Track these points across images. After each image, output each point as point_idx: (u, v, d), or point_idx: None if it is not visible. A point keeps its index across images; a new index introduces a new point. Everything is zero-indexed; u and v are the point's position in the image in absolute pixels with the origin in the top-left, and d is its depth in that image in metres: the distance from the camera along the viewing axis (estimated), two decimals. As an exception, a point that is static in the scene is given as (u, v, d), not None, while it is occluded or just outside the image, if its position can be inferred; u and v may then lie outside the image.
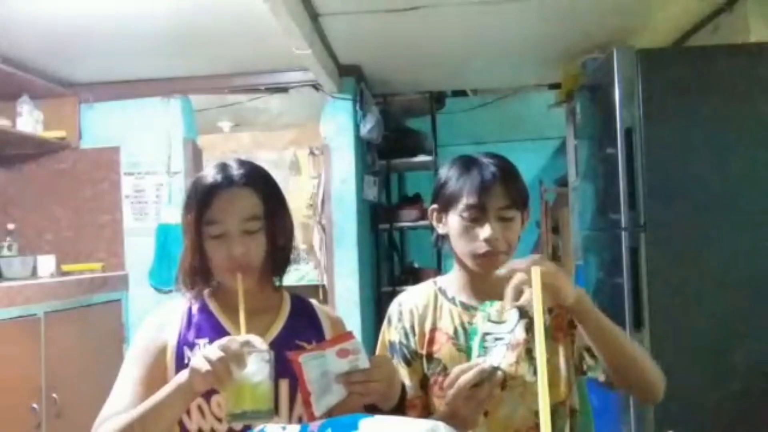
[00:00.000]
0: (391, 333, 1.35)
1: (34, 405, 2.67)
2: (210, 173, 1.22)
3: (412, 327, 1.33)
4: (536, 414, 1.23)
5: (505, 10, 2.82)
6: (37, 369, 2.74)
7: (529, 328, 1.08)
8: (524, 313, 1.11)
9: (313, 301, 1.37)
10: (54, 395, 2.76)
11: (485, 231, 1.25)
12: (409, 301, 1.36)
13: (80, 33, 2.87)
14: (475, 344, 1.13)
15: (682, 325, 2.31)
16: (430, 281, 1.41)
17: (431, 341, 1.31)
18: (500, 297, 1.24)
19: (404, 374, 1.30)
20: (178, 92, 3.68)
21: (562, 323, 1.29)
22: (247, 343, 1.05)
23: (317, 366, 1.07)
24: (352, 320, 3.55)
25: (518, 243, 1.33)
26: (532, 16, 2.91)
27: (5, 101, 3.30)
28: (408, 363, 1.31)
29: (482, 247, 1.25)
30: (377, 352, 1.38)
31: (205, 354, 1.02)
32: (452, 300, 1.33)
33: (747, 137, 2.33)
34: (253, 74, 3.66)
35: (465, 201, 1.26)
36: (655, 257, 2.32)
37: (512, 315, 1.12)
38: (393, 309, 1.38)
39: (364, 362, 1.09)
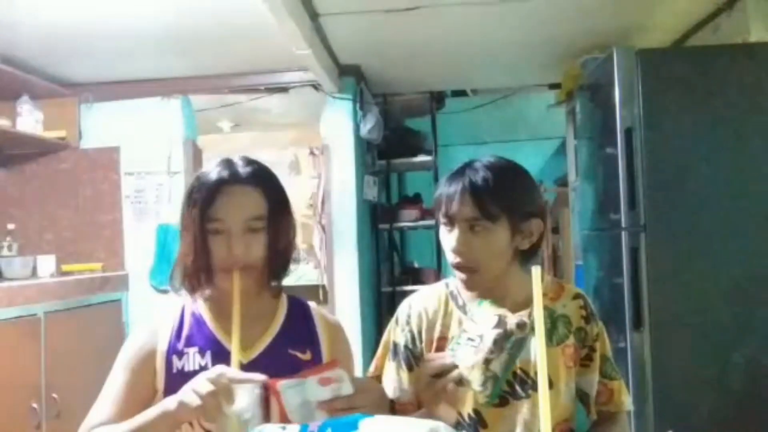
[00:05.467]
0: (396, 334, 1.33)
1: (34, 405, 2.67)
2: (215, 169, 1.19)
3: (420, 332, 1.30)
4: None
5: (506, 10, 2.82)
6: (37, 369, 2.74)
7: (498, 341, 1.06)
8: (501, 323, 1.08)
9: (312, 305, 1.33)
10: (54, 395, 2.76)
11: (452, 240, 1.24)
12: (419, 304, 1.33)
13: (80, 33, 2.87)
14: (455, 338, 1.12)
15: (682, 325, 2.31)
16: (443, 283, 1.37)
17: (439, 350, 1.27)
18: (509, 306, 1.19)
19: (404, 378, 1.29)
20: (178, 92, 3.68)
21: (575, 356, 1.29)
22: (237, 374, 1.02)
23: (296, 394, 1.03)
24: (352, 320, 3.55)
25: (525, 254, 1.29)
26: (532, 16, 2.91)
27: (5, 101, 3.30)
28: (410, 368, 1.29)
29: (451, 257, 1.26)
30: (380, 349, 1.36)
31: (194, 388, 0.99)
32: (462, 308, 1.30)
33: (747, 137, 2.33)
34: (253, 74, 3.66)
35: (441, 210, 1.27)
36: (655, 257, 2.32)
37: (489, 320, 1.09)
38: (402, 310, 1.34)
39: (347, 389, 1.05)
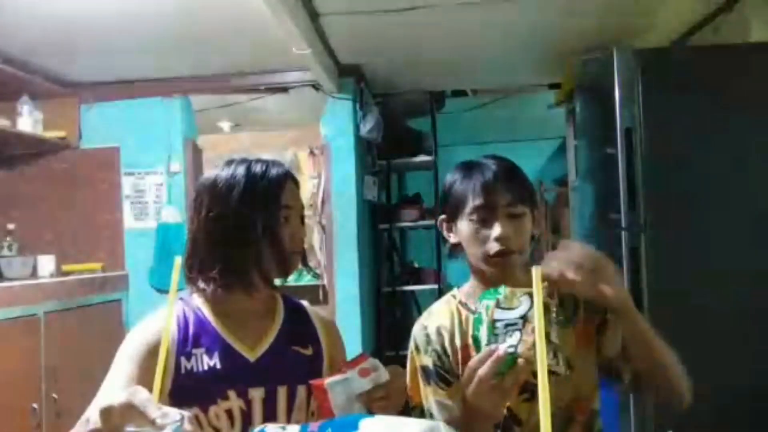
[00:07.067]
0: (422, 359, 1.31)
1: (34, 405, 2.67)
2: (269, 167, 1.24)
3: (444, 348, 1.29)
4: (558, 408, 1.22)
5: (506, 10, 2.82)
6: (37, 369, 2.74)
7: (544, 313, 1.06)
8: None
9: (305, 303, 1.36)
10: (54, 395, 2.76)
11: (496, 230, 1.22)
12: (433, 322, 1.32)
13: (80, 33, 2.87)
14: (483, 333, 1.08)
15: (682, 325, 2.31)
16: (449, 295, 1.37)
17: (465, 359, 1.26)
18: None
19: (443, 395, 1.27)
20: (178, 92, 3.68)
21: (589, 331, 1.28)
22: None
23: (343, 389, 1.05)
24: (352, 320, 3.55)
25: (531, 243, 1.30)
26: (532, 16, 2.91)
27: (5, 101, 3.30)
28: (448, 383, 1.27)
29: (494, 247, 1.23)
30: (409, 381, 1.33)
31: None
32: (476, 313, 1.30)
33: (747, 137, 2.33)
34: (253, 74, 3.66)
35: (471, 203, 1.25)
36: (655, 257, 2.32)
37: (524, 300, 1.07)
38: (418, 334, 1.33)
39: (384, 376, 1.08)
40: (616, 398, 2.44)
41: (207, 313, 1.23)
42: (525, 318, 1.05)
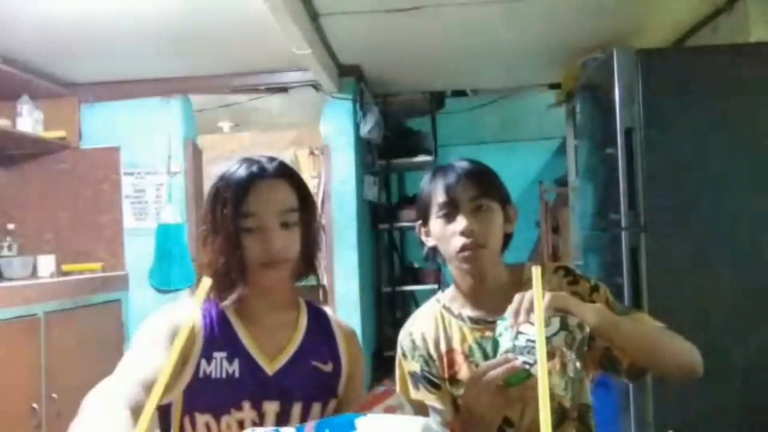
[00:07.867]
0: (409, 364, 1.31)
1: (34, 405, 2.67)
2: (240, 167, 1.16)
3: (429, 353, 1.29)
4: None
5: (506, 10, 2.82)
6: (37, 369, 2.74)
7: (570, 343, 1.04)
8: (565, 326, 1.06)
9: (328, 311, 1.32)
10: (54, 395, 2.76)
11: (460, 223, 1.23)
12: (417, 328, 1.32)
13: (80, 33, 2.87)
14: (505, 338, 1.06)
15: (682, 325, 2.30)
16: (433, 300, 1.38)
17: (450, 363, 1.28)
18: (504, 307, 1.14)
19: (433, 400, 1.27)
20: (178, 92, 3.69)
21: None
22: None
23: None
24: (353, 321, 3.55)
25: (505, 240, 1.30)
26: (532, 16, 2.91)
27: (5, 101, 3.31)
28: (437, 387, 1.28)
29: (460, 241, 1.23)
30: (398, 386, 1.34)
31: None
32: (459, 316, 1.30)
33: (747, 137, 2.33)
34: (253, 74, 3.66)
35: (437, 201, 1.27)
36: (655, 257, 2.32)
37: (554, 322, 1.06)
38: (404, 341, 1.33)
39: (409, 413, 1.07)
40: (615, 398, 2.44)
41: (233, 319, 1.19)
42: (550, 340, 1.03)
